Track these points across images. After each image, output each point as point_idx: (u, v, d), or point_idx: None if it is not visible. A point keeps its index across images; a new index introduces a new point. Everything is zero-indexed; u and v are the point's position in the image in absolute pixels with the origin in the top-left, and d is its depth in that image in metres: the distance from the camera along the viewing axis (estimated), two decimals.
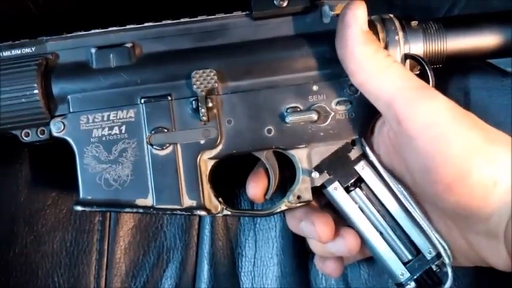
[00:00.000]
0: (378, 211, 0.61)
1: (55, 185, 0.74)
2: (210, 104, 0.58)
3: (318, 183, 0.61)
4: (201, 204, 0.59)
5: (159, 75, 0.59)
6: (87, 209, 0.59)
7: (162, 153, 0.59)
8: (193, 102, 0.59)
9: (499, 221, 0.51)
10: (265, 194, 0.64)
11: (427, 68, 0.57)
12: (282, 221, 0.75)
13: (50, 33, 0.60)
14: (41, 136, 0.60)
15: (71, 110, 0.59)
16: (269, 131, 0.60)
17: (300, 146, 0.60)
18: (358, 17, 0.54)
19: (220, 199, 0.61)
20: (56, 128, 0.59)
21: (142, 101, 0.59)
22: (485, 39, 0.60)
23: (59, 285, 0.73)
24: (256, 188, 0.64)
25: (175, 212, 0.59)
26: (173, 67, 0.59)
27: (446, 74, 0.66)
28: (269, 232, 0.77)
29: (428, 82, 0.57)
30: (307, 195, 0.61)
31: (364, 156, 0.61)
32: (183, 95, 0.59)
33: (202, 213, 0.59)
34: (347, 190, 0.61)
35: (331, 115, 0.60)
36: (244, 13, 0.60)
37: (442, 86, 0.58)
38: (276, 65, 0.59)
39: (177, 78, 0.59)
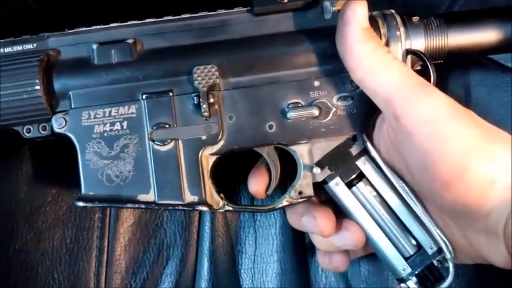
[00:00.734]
0: (379, 206, 0.61)
1: (55, 182, 0.74)
2: (212, 100, 0.58)
3: (319, 179, 0.61)
4: (203, 200, 0.59)
5: (160, 71, 0.59)
6: (89, 204, 0.59)
7: (164, 149, 0.59)
8: (195, 98, 0.59)
9: (498, 218, 0.51)
10: (267, 189, 0.64)
11: (428, 64, 0.57)
12: (282, 218, 0.75)
13: (50, 29, 0.60)
14: (42, 132, 0.59)
15: (73, 106, 0.59)
16: (270, 126, 0.60)
17: (302, 142, 0.60)
18: (357, 14, 0.54)
19: (221, 195, 0.61)
20: (58, 124, 0.59)
21: (144, 96, 0.59)
22: (486, 35, 0.60)
23: (59, 282, 0.73)
24: (257, 183, 0.64)
25: (177, 208, 0.59)
26: (174, 63, 0.59)
27: (447, 70, 0.66)
28: (269, 229, 0.77)
29: (429, 78, 0.57)
30: (309, 191, 0.61)
31: (365, 151, 0.61)
32: (184, 90, 0.59)
33: (204, 208, 0.59)
34: (348, 185, 0.61)
35: (333, 111, 0.60)
36: (246, 9, 0.60)
37: (442, 82, 0.58)
38: (277, 60, 0.59)
39: (179, 74, 0.59)
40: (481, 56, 0.64)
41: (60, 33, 0.60)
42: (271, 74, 0.59)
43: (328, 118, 0.60)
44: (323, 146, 0.61)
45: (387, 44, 0.59)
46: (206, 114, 0.58)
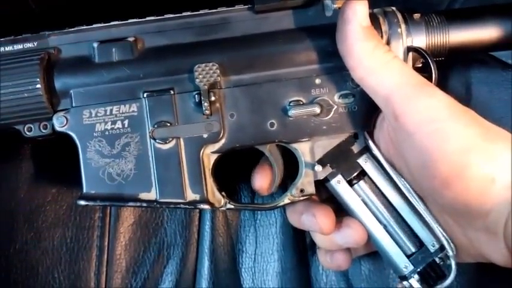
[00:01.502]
0: (381, 204, 0.61)
1: (55, 181, 0.74)
2: (213, 98, 0.58)
3: (321, 177, 0.61)
4: (205, 198, 0.59)
5: (161, 69, 0.59)
6: (91, 203, 0.59)
7: (165, 147, 0.59)
8: (196, 96, 0.58)
9: (498, 217, 0.51)
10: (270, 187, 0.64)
11: (429, 61, 0.57)
12: (283, 216, 0.75)
13: (50, 29, 0.60)
14: (43, 131, 0.59)
15: (74, 104, 0.59)
16: (272, 124, 0.60)
17: (303, 140, 0.60)
18: (358, 12, 0.54)
19: (223, 193, 0.61)
20: (59, 123, 0.59)
21: (145, 95, 0.59)
22: (488, 32, 0.60)
23: (59, 281, 0.72)
24: (261, 179, 0.64)
25: (178, 206, 0.59)
26: (175, 61, 0.59)
27: (448, 68, 0.66)
28: (269, 228, 0.77)
29: (431, 75, 0.57)
30: (310, 189, 0.61)
31: (367, 149, 0.61)
32: (185, 89, 0.59)
33: (206, 206, 0.59)
34: (350, 183, 0.61)
35: (334, 108, 0.60)
36: (246, 6, 0.60)
37: (443, 80, 0.58)
38: (278, 58, 0.59)
39: (180, 72, 0.59)
40: (482, 53, 0.64)
41: (61, 31, 0.60)
42: (272, 71, 0.59)
43: (330, 116, 0.60)
44: (324, 144, 0.60)
45: (388, 41, 0.59)
46: (207, 112, 0.58)
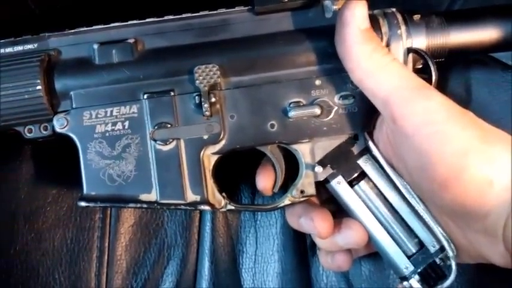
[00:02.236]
0: (382, 205, 0.61)
1: (55, 182, 0.74)
2: (213, 99, 0.58)
3: (321, 178, 0.61)
4: (205, 199, 0.59)
5: (161, 70, 0.59)
6: (91, 204, 0.59)
7: (166, 148, 0.59)
8: (196, 97, 0.59)
9: (497, 219, 0.51)
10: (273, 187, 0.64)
11: (429, 62, 0.57)
12: (283, 217, 0.75)
13: (50, 30, 0.60)
14: (44, 132, 0.59)
15: (74, 106, 0.59)
16: (272, 125, 0.60)
17: (303, 141, 0.60)
18: (356, 14, 0.54)
19: (223, 194, 0.61)
20: (59, 124, 0.59)
21: (145, 96, 0.59)
22: (488, 33, 0.60)
23: (60, 282, 0.73)
24: (265, 180, 0.64)
25: (179, 207, 0.59)
26: (175, 62, 0.59)
27: (447, 69, 0.66)
28: (270, 229, 0.77)
29: (430, 76, 0.57)
30: (311, 190, 0.61)
31: (367, 150, 0.61)
32: (185, 90, 0.59)
33: (206, 208, 0.59)
34: (350, 184, 0.61)
35: (334, 109, 0.60)
36: (246, 8, 0.60)
37: (442, 82, 0.58)
38: (278, 59, 0.59)
39: (180, 73, 0.59)
40: (482, 54, 0.64)
41: (61, 33, 0.60)
42: (272, 73, 0.59)
43: (330, 117, 0.60)
44: (325, 145, 0.61)
45: (388, 43, 0.59)
46: (207, 113, 0.58)
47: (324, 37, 0.58)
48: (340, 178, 0.61)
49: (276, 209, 0.63)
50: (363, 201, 0.61)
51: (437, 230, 0.59)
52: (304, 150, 0.61)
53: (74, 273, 0.73)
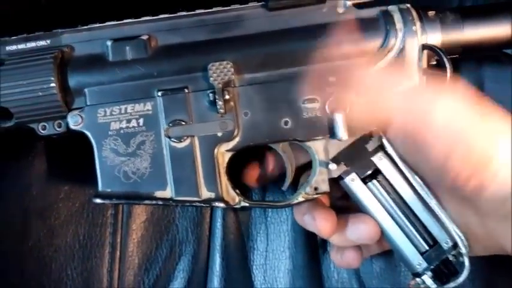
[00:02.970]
0: (395, 202, 0.61)
1: (67, 178, 0.74)
2: (227, 96, 0.58)
3: (335, 175, 0.61)
4: (219, 196, 0.60)
5: (175, 67, 0.59)
6: (107, 201, 0.59)
7: (180, 145, 0.59)
8: (210, 94, 0.58)
9: None
10: (281, 185, 0.65)
11: (444, 58, 0.57)
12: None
13: (60, 26, 0.60)
14: (58, 129, 0.59)
15: (88, 103, 0.59)
16: (286, 123, 0.60)
17: (317, 138, 0.60)
18: None
19: (237, 191, 0.61)
20: (74, 121, 0.59)
21: (159, 93, 0.59)
22: (502, 29, 0.60)
23: (72, 278, 0.73)
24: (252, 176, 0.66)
25: (194, 204, 0.59)
26: (189, 59, 0.59)
27: (459, 66, 0.66)
28: (281, 225, 0.77)
29: (445, 72, 0.57)
30: (324, 187, 0.61)
31: (381, 147, 0.61)
32: (199, 87, 0.59)
33: (221, 205, 0.60)
34: (364, 181, 0.61)
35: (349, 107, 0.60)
36: (260, 4, 0.60)
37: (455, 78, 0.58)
38: (292, 56, 0.59)
39: (194, 70, 0.59)
40: (496, 50, 0.64)
41: (74, 29, 0.60)
42: (286, 69, 0.59)
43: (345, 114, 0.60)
44: (339, 142, 0.60)
45: (403, 39, 0.58)
46: (222, 110, 0.58)
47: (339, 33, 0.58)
48: (354, 175, 0.61)
49: (290, 206, 0.63)
50: (377, 198, 0.61)
51: (451, 227, 0.59)
52: (318, 148, 0.61)
53: (86, 269, 0.73)
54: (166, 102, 0.59)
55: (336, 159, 0.61)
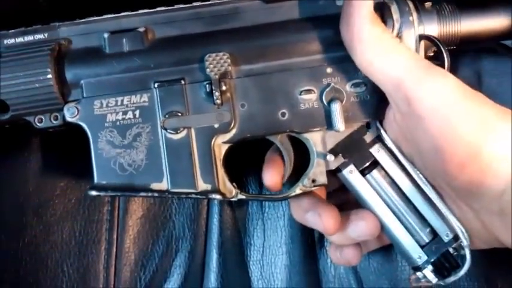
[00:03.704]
0: (394, 194, 0.61)
1: (63, 175, 0.74)
2: (224, 88, 0.58)
3: (333, 167, 0.61)
4: (216, 188, 0.59)
5: (172, 59, 0.59)
6: (102, 193, 0.58)
7: (176, 137, 0.59)
8: (207, 86, 0.58)
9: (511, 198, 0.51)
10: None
11: (442, 49, 0.57)
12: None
13: (58, 20, 0.60)
14: (54, 122, 0.59)
15: (85, 95, 0.59)
16: (283, 114, 0.59)
17: (315, 129, 0.60)
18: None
19: (234, 183, 0.61)
20: (70, 113, 0.58)
21: (156, 85, 0.58)
22: (500, 20, 0.60)
23: (69, 274, 0.73)
24: (273, 175, 0.63)
25: (190, 196, 0.59)
26: (186, 51, 0.59)
27: (457, 59, 0.65)
28: (277, 221, 0.77)
29: (443, 63, 0.57)
30: (322, 179, 0.61)
31: (379, 138, 0.61)
32: (196, 78, 0.59)
33: (217, 196, 0.59)
34: (362, 173, 0.61)
35: (346, 98, 0.59)
36: None
37: (453, 72, 0.58)
38: (289, 47, 0.59)
39: (190, 62, 0.59)
40: (494, 41, 0.64)
41: (71, 22, 0.60)
42: (283, 61, 0.59)
43: (342, 105, 0.60)
44: (336, 134, 0.60)
45: (400, 30, 0.58)
46: (218, 102, 0.58)
47: (336, 25, 0.58)
48: (352, 167, 0.61)
49: (287, 198, 0.63)
50: (375, 190, 0.61)
51: (451, 219, 0.58)
52: (315, 139, 0.60)
53: (82, 265, 0.73)
54: (162, 93, 0.58)
55: (333, 151, 0.60)
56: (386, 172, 0.61)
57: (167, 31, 0.60)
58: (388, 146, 0.60)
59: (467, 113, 0.52)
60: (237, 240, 0.77)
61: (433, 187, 0.59)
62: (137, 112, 0.59)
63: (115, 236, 0.74)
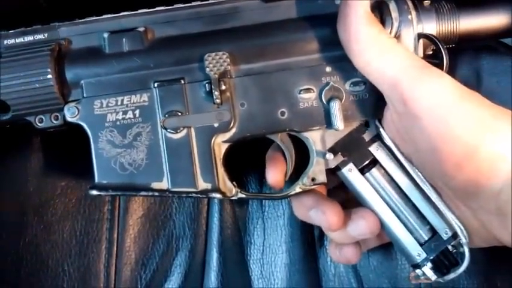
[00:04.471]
0: (393, 192, 0.61)
1: (64, 174, 0.75)
2: (223, 87, 0.58)
3: (332, 165, 0.61)
4: (216, 187, 0.59)
5: (171, 58, 0.59)
6: (103, 193, 0.59)
7: (176, 136, 0.59)
8: (207, 85, 0.58)
9: (509, 196, 0.51)
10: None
11: (441, 47, 0.57)
12: (290, 208, 0.75)
13: (58, 20, 0.60)
14: (54, 122, 0.59)
15: (85, 95, 0.59)
16: (282, 113, 0.60)
17: (314, 128, 0.60)
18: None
19: (234, 182, 0.61)
20: (70, 113, 0.59)
21: (156, 85, 0.59)
22: (498, 18, 0.60)
23: (69, 273, 0.73)
24: (276, 174, 0.63)
25: (190, 195, 0.59)
26: (185, 50, 0.59)
27: (456, 57, 0.66)
28: (277, 220, 0.77)
29: (442, 61, 0.57)
30: (322, 177, 0.61)
31: (378, 137, 0.61)
32: (196, 78, 0.59)
33: (218, 195, 0.59)
34: (362, 172, 0.61)
35: (345, 96, 0.60)
36: None
37: (451, 71, 0.58)
38: (288, 47, 0.59)
39: (190, 61, 0.59)
40: (493, 39, 0.64)
41: (71, 22, 0.60)
42: (282, 60, 0.59)
43: (341, 104, 0.60)
44: (336, 132, 0.60)
45: (399, 28, 0.58)
46: (218, 101, 0.58)
47: (334, 24, 0.58)
48: (351, 165, 0.61)
49: (287, 197, 0.63)
50: (375, 188, 0.61)
51: (450, 217, 0.59)
52: (315, 138, 0.61)
53: (83, 264, 0.73)
54: (162, 93, 0.59)
55: (333, 150, 0.61)
56: (385, 170, 0.61)
57: (167, 31, 0.60)
58: (387, 144, 0.60)
59: (464, 113, 0.52)
60: (237, 239, 0.77)
61: (432, 185, 0.59)
62: (137, 112, 0.59)
63: (115, 235, 0.74)
